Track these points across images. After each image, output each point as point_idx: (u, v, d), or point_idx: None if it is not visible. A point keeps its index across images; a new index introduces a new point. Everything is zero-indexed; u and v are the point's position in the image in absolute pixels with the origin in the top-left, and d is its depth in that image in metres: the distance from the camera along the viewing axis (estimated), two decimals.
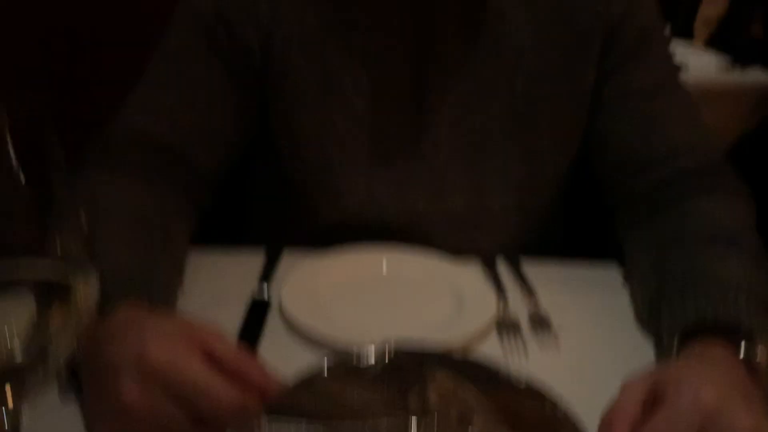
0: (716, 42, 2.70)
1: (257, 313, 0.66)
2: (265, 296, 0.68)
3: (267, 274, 0.72)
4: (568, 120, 0.79)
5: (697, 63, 2.36)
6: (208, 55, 0.75)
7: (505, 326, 0.65)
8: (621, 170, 0.78)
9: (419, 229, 0.80)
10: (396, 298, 0.69)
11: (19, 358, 0.33)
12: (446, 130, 0.77)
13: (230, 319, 0.64)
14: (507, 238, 0.82)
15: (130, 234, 0.62)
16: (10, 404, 0.34)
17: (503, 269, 0.76)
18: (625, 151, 0.77)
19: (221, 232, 0.85)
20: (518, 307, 0.68)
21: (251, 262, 0.75)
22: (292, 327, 0.62)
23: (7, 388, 0.34)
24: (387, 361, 0.49)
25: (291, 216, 0.85)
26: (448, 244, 0.79)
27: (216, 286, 0.71)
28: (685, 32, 3.02)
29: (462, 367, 0.50)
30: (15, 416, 0.35)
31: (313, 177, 0.80)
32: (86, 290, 0.36)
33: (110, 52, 1.66)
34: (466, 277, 0.72)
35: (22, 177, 0.33)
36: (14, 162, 0.33)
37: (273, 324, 0.64)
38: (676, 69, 0.81)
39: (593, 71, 0.78)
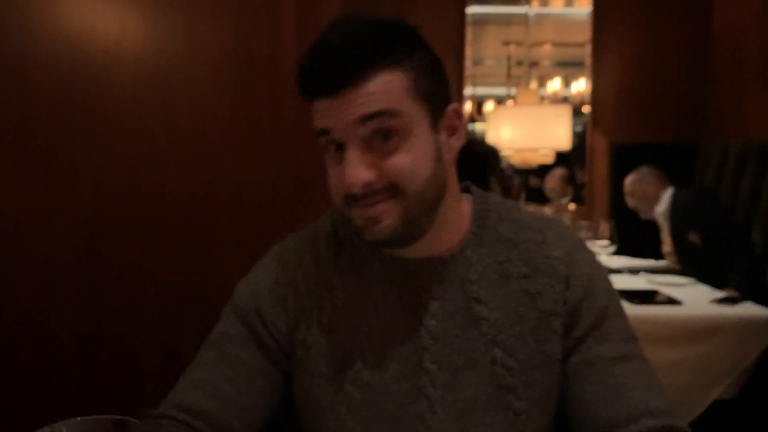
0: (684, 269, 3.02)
1: None
2: None
3: None
4: (542, 385, 0.91)
5: (691, 296, 2.51)
6: (247, 341, 0.93)
7: None
8: (590, 430, 0.87)
9: None
10: None
11: None
12: (441, 395, 0.90)
13: None
14: None
15: None
16: None
17: None
18: (591, 415, 0.87)
19: None
20: None
21: None
22: None
23: None
24: None
25: None
26: None
27: None
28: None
29: None
30: None
31: None
32: None
33: None
34: None
35: None
36: None
37: None
38: (634, 339, 0.93)
39: (559, 345, 0.91)
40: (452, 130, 0.90)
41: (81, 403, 1.78)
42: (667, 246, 3.36)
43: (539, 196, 4.42)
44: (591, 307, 0.92)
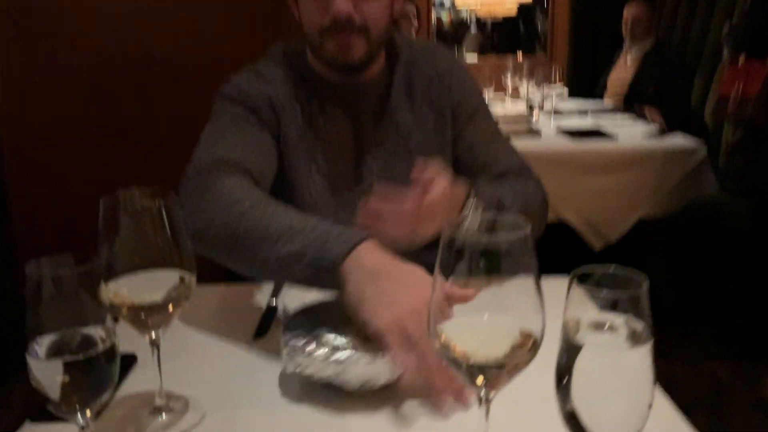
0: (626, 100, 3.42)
1: (269, 314, 1.08)
2: (274, 304, 1.10)
3: (276, 292, 1.14)
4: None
5: (628, 132, 2.83)
6: (248, 114, 1.20)
7: None
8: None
9: None
10: None
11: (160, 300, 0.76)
12: (377, 178, 1.27)
13: (253, 317, 1.06)
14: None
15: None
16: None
17: None
18: (476, 180, 1.23)
19: None
20: None
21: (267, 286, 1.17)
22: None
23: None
24: None
25: None
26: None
27: (247, 300, 1.14)
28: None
29: None
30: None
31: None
32: (191, 278, 0.79)
33: None
34: None
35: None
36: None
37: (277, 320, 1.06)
38: (498, 130, 1.34)
39: (450, 133, 1.29)
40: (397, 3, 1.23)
41: None
42: (620, 76, 3.71)
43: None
44: (467, 104, 1.30)
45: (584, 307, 0.59)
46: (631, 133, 2.82)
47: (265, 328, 1.03)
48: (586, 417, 0.59)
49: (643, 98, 3.41)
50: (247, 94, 1.22)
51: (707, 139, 2.77)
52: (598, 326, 0.60)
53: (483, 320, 0.62)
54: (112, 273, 0.74)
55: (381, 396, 0.83)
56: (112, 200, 0.74)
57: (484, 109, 1.33)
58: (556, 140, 2.75)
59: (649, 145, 2.64)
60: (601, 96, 3.84)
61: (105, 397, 0.69)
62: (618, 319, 0.59)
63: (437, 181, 1.01)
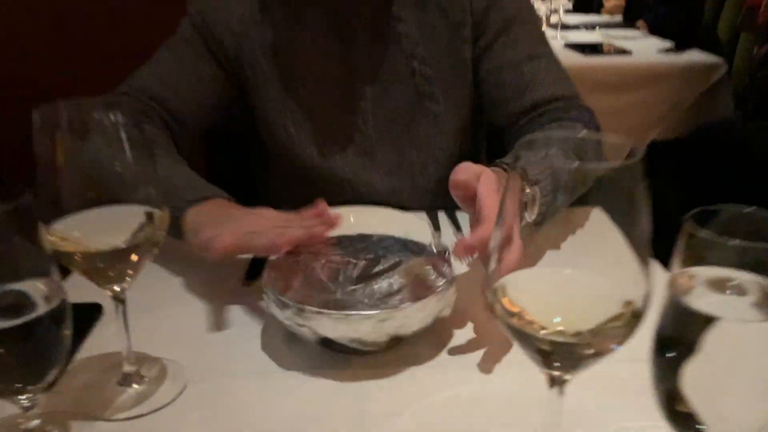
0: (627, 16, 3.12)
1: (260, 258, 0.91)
2: None
3: None
4: (455, 92, 1.06)
5: (641, 47, 2.63)
6: (201, 48, 1.04)
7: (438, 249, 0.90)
8: (505, 123, 1.04)
9: (362, 178, 1.07)
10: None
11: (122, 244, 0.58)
12: (371, 108, 1.05)
13: (241, 260, 0.90)
14: (428, 182, 1.09)
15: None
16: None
17: (443, 217, 1.02)
18: (506, 113, 1.03)
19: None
20: (449, 237, 0.95)
21: None
22: None
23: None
24: None
25: (277, 177, 1.15)
26: (386, 188, 1.07)
27: None
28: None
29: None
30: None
31: (282, 148, 1.08)
32: (162, 216, 0.61)
33: None
34: (413, 221, 0.97)
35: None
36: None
37: None
38: (543, 41, 1.05)
39: (468, 51, 1.04)
40: None
41: None
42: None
43: None
44: (497, 16, 1.03)
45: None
46: (646, 47, 2.62)
47: (257, 271, 0.86)
48: (696, 402, 0.44)
49: (643, 10, 3.18)
50: (205, 14, 1.04)
51: (720, 55, 2.58)
52: (717, 285, 0.44)
53: (562, 279, 0.45)
54: (56, 210, 0.57)
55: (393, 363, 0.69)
56: (50, 114, 0.55)
57: (524, 18, 1.05)
58: (565, 55, 2.53)
59: (666, 61, 2.44)
60: (598, 11, 3.60)
61: (53, 372, 0.53)
62: (746, 277, 0.43)
63: (483, 179, 0.71)
